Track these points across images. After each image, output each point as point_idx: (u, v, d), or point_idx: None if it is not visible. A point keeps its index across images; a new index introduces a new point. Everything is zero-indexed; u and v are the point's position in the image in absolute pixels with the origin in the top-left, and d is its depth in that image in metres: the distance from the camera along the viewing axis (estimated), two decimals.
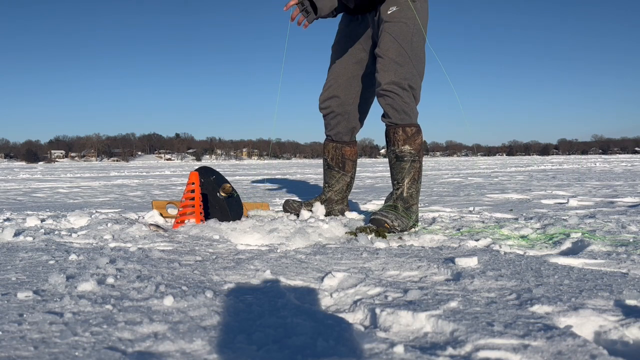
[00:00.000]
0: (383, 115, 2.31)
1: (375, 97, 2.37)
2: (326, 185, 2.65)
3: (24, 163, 78.72)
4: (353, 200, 3.59)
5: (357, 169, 2.64)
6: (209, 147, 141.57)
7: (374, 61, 2.40)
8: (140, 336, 0.83)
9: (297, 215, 2.54)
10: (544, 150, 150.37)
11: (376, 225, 2.08)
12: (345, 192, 2.65)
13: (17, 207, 3.39)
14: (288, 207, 2.66)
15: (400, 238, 1.94)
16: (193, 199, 2.09)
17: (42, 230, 1.96)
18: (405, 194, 2.24)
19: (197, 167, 2.28)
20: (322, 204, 2.59)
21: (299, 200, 2.72)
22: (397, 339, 0.87)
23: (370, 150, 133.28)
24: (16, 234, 1.85)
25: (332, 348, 0.78)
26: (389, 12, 2.27)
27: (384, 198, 2.89)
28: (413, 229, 2.18)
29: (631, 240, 1.75)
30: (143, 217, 2.28)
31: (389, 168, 2.68)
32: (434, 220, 2.40)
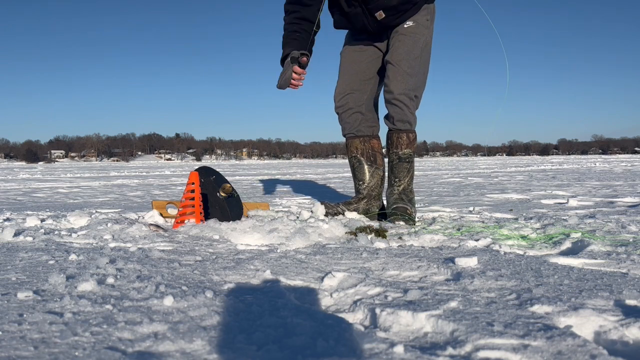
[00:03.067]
0: (388, 119, 2.52)
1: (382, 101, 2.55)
2: (360, 182, 2.59)
3: (24, 163, 78.75)
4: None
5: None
6: (209, 147, 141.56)
7: (383, 67, 2.58)
8: (140, 336, 0.83)
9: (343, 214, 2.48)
10: (544, 150, 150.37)
11: (399, 212, 2.34)
12: (381, 188, 2.62)
13: (17, 207, 3.39)
14: (330, 210, 2.49)
15: (400, 238, 1.94)
16: (193, 199, 2.09)
17: (42, 230, 1.96)
18: (407, 188, 2.51)
19: (197, 167, 2.28)
20: (361, 202, 2.55)
21: (332, 203, 2.57)
22: (397, 339, 0.87)
23: None
24: (16, 234, 1.85)
25: (332, 348, 0.78)
26: (405, 26, 2.47)
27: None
28: (413, 228, 2.19)
29: (631, 240, 1.75)
30: (143, 217, 2.28)
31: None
32: (434, 220, 2.40)
